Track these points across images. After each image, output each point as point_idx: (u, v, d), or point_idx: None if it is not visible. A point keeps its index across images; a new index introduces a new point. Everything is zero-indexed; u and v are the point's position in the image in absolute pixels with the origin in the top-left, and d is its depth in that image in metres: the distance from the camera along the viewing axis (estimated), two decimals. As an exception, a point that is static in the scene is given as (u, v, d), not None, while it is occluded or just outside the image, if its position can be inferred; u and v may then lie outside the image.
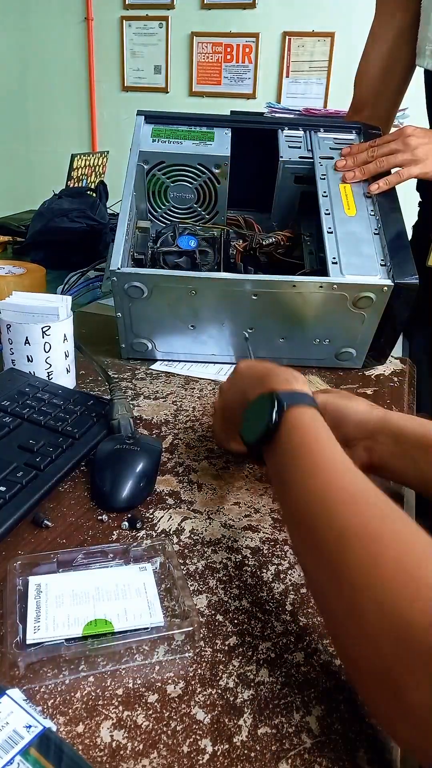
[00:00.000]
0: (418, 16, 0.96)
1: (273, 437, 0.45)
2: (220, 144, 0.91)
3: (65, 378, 0.74)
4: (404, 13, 0.99)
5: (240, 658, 0.40)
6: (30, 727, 0.32)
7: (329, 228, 0.82)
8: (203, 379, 0.82)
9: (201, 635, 0.42)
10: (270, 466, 0.46)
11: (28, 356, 0.71)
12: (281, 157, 0.91)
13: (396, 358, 0.92)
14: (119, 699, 0.37)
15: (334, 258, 0.79)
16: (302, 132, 0.94)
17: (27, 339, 0.70)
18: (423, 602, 0.31)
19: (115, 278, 0.76)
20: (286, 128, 0.94)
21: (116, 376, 0.81)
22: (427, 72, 1.00)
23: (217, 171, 0.90)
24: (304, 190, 0.94)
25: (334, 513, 0.37)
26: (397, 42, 1.02)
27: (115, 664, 0.39)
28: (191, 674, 0.39)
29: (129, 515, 0.53)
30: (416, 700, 0.30)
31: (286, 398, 0.46)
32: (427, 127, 1.03)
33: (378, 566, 0.33)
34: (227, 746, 0.35)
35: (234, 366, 0.74)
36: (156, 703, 0.37)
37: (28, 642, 0.38)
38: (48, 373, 0.72)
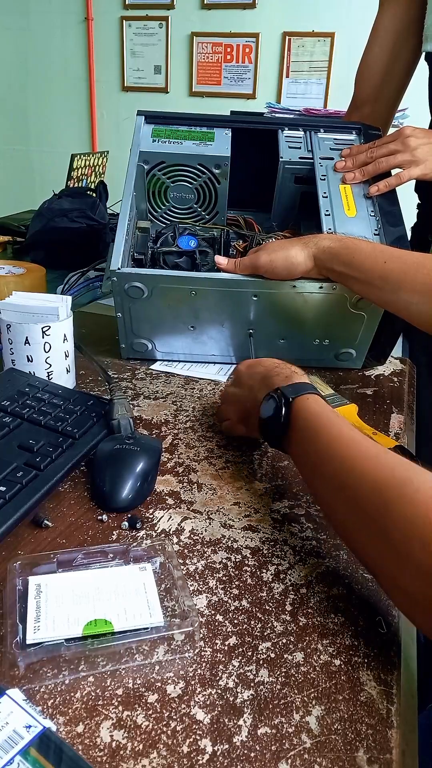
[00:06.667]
0: (422, 9, 0.96)
1: (288, 426, 0.52)
2: (220, 144, 0.91)
3: (65, 378, 0.74)
4: (408, 6, 0.99)
5: (240, 658, 0.40)
6: (30, 727, 0.32)
7: (329, 229, 0.82)
8: (203, 379, 0.82)
9: (201, 635, 0.42)
10: (291, 448, 0.53)
11: (28, 356, 0.71)
12: (281, 157, 0.91)
13: (396, 358, 0.92)
14: (119, 699, 0.37)
15: None
16: (302, 132, 0.93)
17: (27, 339, 0.70)
18: None
19: (115, 278, 0.76)
20: (286, 128, 0.94)
21: (116, 376, 0.81)
22: (429, 57, 1.00)
23: (217, 171, 0.90)
24: (305, 191, 0.94)
25: (362, 468, 0.43)
26: (400, 36, 1.02)
27: (115, 664, 0.39)
28: (191, 674, 0.39)
29: (129, 515, 0.53)
30: None
31: (289, 393, 0.52)
32: (427, 126, 1.03)
33: (416, 505, 0.38)
34: (227, 746, 0.35)
35: (235, 367, 0.75)
36: (156, 703, 0.37)
37: (28, 642, 0.38)
38: (48, 373, 0.72)
